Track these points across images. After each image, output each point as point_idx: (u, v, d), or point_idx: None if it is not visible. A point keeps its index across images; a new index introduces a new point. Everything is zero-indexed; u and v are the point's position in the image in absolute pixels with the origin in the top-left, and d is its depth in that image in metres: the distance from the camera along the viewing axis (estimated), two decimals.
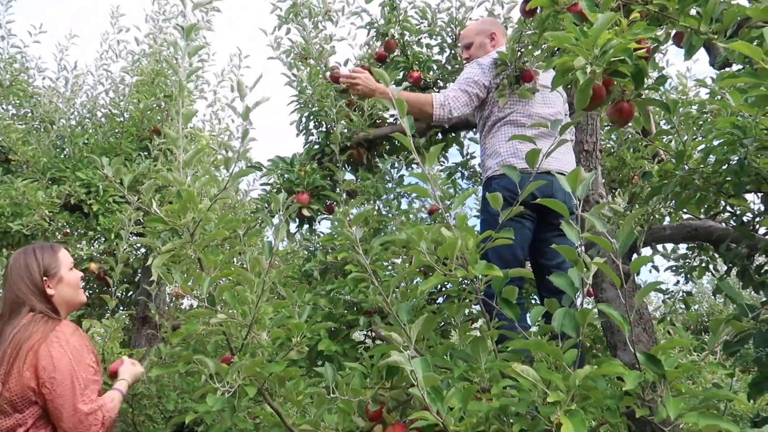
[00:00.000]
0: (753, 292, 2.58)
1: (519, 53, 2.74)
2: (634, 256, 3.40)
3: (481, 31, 3.06)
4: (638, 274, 1.66)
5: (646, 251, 3.41)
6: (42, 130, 5.00)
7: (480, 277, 1.58)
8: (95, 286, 4.97)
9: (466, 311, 2.73)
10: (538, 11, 1.95)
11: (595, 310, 2.42)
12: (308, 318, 2.03)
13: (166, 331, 3.64)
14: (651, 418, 1.37)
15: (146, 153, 4.52)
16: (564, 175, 2.69)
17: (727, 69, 2.27)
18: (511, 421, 1.33)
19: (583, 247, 1.43)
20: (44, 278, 1.96)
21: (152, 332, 4.47)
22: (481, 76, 2.81)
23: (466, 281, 1.78)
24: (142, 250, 4.63)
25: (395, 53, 3.97)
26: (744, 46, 1.35)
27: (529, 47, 2.77)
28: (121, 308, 4.82)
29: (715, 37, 1.59)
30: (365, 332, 3.05)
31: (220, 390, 1.51)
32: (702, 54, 2.81)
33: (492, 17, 3.54)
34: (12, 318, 1.89)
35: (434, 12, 4.01)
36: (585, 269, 1.36)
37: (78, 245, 4.39)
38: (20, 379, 1.79)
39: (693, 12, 1.71)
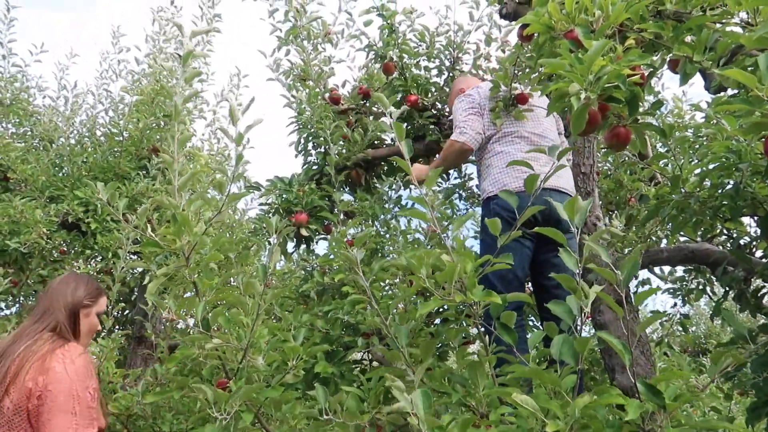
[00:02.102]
0: (750, 315, 2.58)
1: (514, 76, 2.79)
2: (633, 281, 3.41)
3: (451, 96, 3.38)
4: (638, 304, 1.67)
5: (644, 273, 3.42)
6: (41, 148, 5.02)
7: (479, 301, 1.58)
8: None
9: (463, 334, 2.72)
10: (534, 36, 1.97)
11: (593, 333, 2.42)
12: (305, 340, 2.02)
13: (162, 351, 3.62)
14: None
15: (145, 172, 4.54)
16: (560, 191, 2.73)
17: (722, 93, 2.30)
18: None
19: (580, 272, 1.44)
20: (83, 303, 2.02)
21: (148, 352, 4.44)
22: (470, 101, 2.95)
23: (464, 304, 1.78)
24: (139, 269, 4.62)
25: (393, 75, 4.00)
26: (739, 73, 1.36)
27: (527, 70, 2.81)
28: (117, 327, 4.80)
29: (709, 65, 1.61)
30: (362, 354, 3.04)
31: (218, 418, 1.50)
32: (697, 78, 2.84)
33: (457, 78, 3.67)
34: (35, 323, 1.92)
35: (432, 35, 4.05)
36: (584, 297, 1.36)
37: (75, 263, 4.38)
38: (21, 389, 1.78)
39: (688, 39, 1.73)
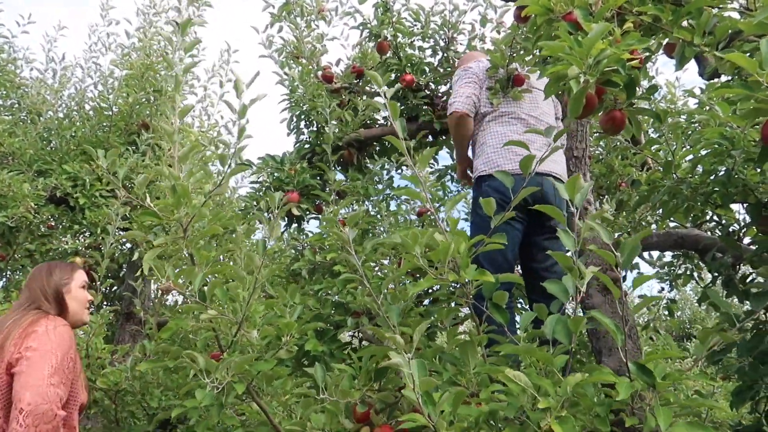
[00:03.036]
0: (737, 301, 2.62)
1: (510, 57, 2.76)
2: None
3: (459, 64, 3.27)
4: (635, 289, 1.68)
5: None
6: (29, 121, 4.95)
7: (471, 281, 1.58)
8: None
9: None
10: (532, 17, 1.96)
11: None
12: (298, 318, 2.03)
13: (151, 328, 3.62)
14: (640, 426, 1.38)
15: (134, 147, 4.49)
16: (554, 177, 2.72)
17: (716, 80, 2.30)
18: (500, 426, 1.34)
19: (578, 252, 1.44)
20: (61, 283, 2.07)
21: (136, 328, 4.44)
22: (469, 74, 2.91)
23: (454, 284, 1.79)
24: (128, 245, 4.60)
25: (388, 55, 3.98)
26: (740, 57, 1.36)
27: (521, 52, 2.79)
28: (106, 303, 4.78)
29: (708, 49, 1.61)
30: (352, 333, 3.05)
31: (209, 386, 1.51)
32: (691, 64, 2.85)
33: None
34: (20, 309, 1.98)
35: (427, 14, 4.03)
36: (580, 277, 1.37)
37: (63, 239, 4.35)
38: (6, 357, 1.80)
39: (685, 24, 1.73)
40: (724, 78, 2.22)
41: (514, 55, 2.81)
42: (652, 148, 2.99)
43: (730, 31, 1.65)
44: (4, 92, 4.94)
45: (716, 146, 2.23)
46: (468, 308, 1.68)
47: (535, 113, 2.87)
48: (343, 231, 1.68)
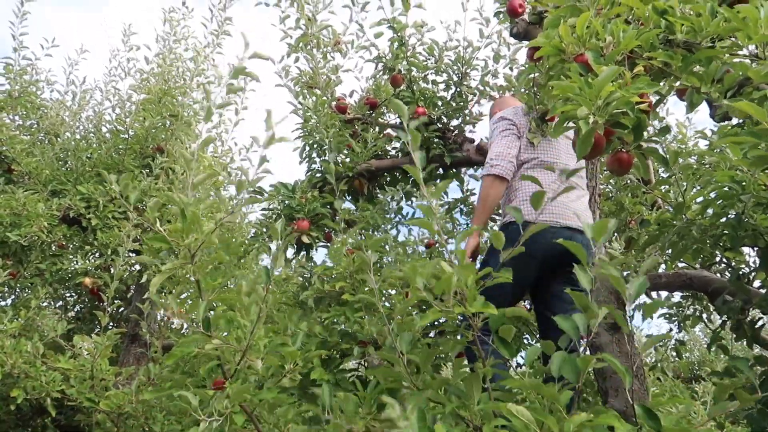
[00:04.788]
0: (746, 346, 2.59)
1: (536, 96, 2.77)
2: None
3: (493, 109, 3.23)
4: (646, 319, 1.67)
5: (641, 298, 3.43)
6: (47, 142, 5.03)
7: (477, 314, 1.59)
8: (87, 300, 4.95)
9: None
10: (545, 58, 1.99)
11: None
12: (302, 345, 2.03)
13: (156, 350, 3.62)
14: None
15: (148, 170, 4.55)
16: (583, 233, 2.69)
17: (727, 122, 2.32)
18: None
19: (595, 290, 1.45)
20: None
21: (141, 351, 4.44)
22: (507, 123, 2.84)
23: (460, 317, 1.79)
24: (137, 267, 4.63)
25: (401, 88, 4.03)
26: (748, 106, 1.38)
27: (534, 89, 2.83)
28: (112, 325, 4.80)
29: (717, 96, 1.63)
30: (358, 362, 3.05)
31: (207, 420, 1.50)
32: (702, 105, 2.87)
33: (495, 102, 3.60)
34: None
35: (441, 49, 4.09)
36: (594, 317, 1.38)
37: (73, 258, 4.39)
38: None
39: (696, 68, 1.75)
40: (735, 120, 2.24)
41: (538, 94, 2.82)
42: (662, 188, 2.99)
43: (740, 77, 1.68)
44: (25, 113, 5.03)
45: (726, 189, 2.24)
46: (474, 341, 1.68)
47: (571, 163, 2.82)
48: (365, 254, 1.69)
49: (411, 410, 1.31)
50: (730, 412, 2.31)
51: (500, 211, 3.19)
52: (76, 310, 5.10)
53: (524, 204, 2.70)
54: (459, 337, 1.86)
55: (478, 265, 2.81)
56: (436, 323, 3.02)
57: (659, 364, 3.78)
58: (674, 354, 3.73)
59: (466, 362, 2.68)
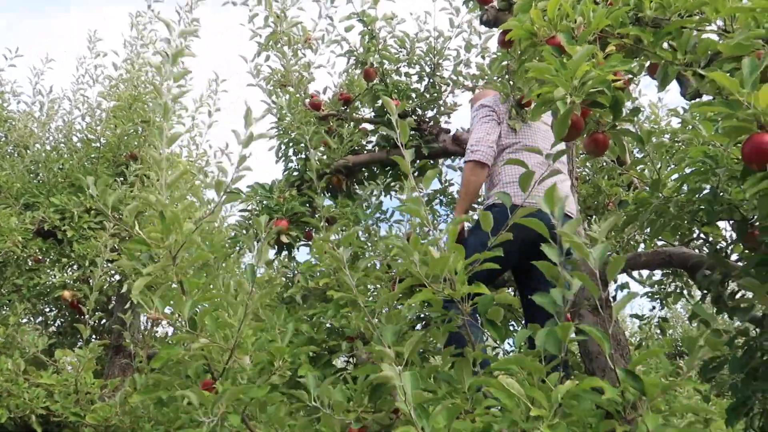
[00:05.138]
0: (727, 318, 2.63)
1: (510, 82, 2.79)
2: (612, 285, 3.45)
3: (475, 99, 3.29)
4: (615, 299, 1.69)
5: (622, 277, 3.47)
6: (16, 155, 4.94)
7: (466, 298, 1.60)
8: (68, 314, 4.87)
9: None
10: (516, 42, 2.00)
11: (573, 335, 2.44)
12: (290, 342, 2.02)
13: (141, 360, 3.58)
14: None
15: (122, 179, 4.49)
16: (568, 215, 2.72)
17: (698, 100, 2.35)
18: None
19: (563, 262, 1.46)
20: None
21: (126, 361, 4.38)
22: (487, 110, 2.88)
23: (447, 305, 1.80)
24: (117, 277, 4.56)
25: (375, 81, 4.02)
26: (722, 76, 1.40)
27: (507, 76, 2.83)
28: (95, 337, 4.73)
29: (689, 67, 1.65)
30: (347, 359, 3.04)
31: (207, 421, 1.49)
32: (673, 85, 2.91)
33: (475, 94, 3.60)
34: None
35: (413, 41, 4.08)
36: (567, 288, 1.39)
37: (50, 272, 4.31)
38: None
39: (666, 45, 1.77)
40: (705, 98, 2.27)
41: (512, 81, 2.83)
42: (638, 168, 3.02)
43: (710, 51, 1.69)
44: None
45: (700, 164, 2.27)
46: (464, 326, 1.68)
47: (549, 147, 2.86)
48: (337, 251, 1.69)
49: (405, 377, 1.31)
50: (716, 384, 2.34)
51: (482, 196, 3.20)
52: (56, 324, 5.02)
53: (508, 187, 2.73)
54: (448, 323, 1.86)
55: None
56: (421, 315, 3.04)
57: (644, 343, 3.83)
58: (658, 332, 3.77)
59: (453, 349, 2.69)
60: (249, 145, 1.62)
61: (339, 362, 3.01)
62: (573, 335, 1.45)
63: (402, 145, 1.72)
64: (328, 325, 2.87)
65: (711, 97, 2.24)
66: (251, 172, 1.64)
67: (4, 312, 4.44)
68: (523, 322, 3.30)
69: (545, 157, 1.82)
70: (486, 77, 3.79)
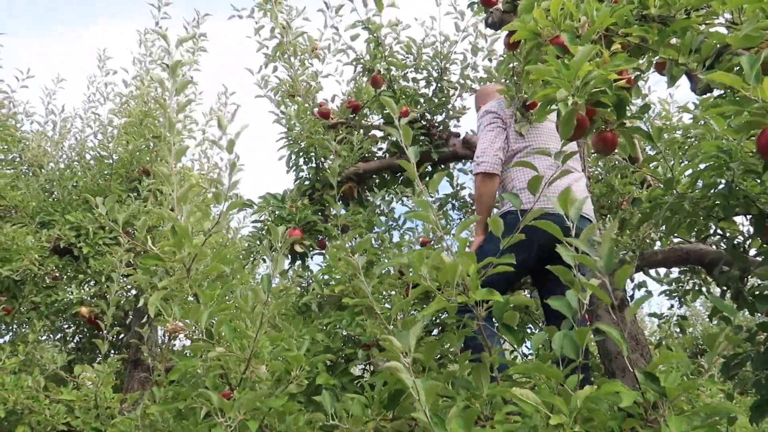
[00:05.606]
0: (748, 314, 2.59)
1: (516, 84, 2.77)
2: (629, 284, 3.42)
3: (479, 99, 3.23)
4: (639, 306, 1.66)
5: (639, 276, 3.43)
6: (31, 174, 4.99)
7: (481, 302, 1.58)
8: (86, 330, 4.91)
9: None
10: (521, 43, 1.99)
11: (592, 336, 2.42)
12: (306, 351, 2.01)
13: (159, 374, 3.59)
14: None
15: (136, 194, 4.52)
16: (585, 217, 2.68)
17: (709, 94, 2.32)
18: None
19: (578, 265, 1.44)
20: None
21: (145, 375, 4.41)
22: (492, 117, 2.81)
23: (462, 311, 1.78)
24: (133, 291, 4.59)
25: (382, 88, 4.02)
26: (723, 76, 1.38)
27: (515, 78, 2.82)
28: (113, 352, 4.76)
29: (695, 66, 1.63)
30: (363, 366, 3.03)
31: (224, 425, 1.49)
32: (683, 80, 2.88)
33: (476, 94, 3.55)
34: None
35: (419, 46, 4.08)
36: (581, 290, 1.37)
37: (68, 289, 4.35)
38: None
39: (673, 41, 1.75)
40: (716, 92, 2.24)
41: (518, 82, 2.81)
42: (651, 165, 2.99)
43: (717, 46, 1.67)
44: (5, 147, 4.99)
45: (714, 159, 2.24)
46: (480, 331, 1.67)
47: (559, 147, 2.82)
48: (352, 258, 1.68)
49: (419, 384, 1.30)
50: (740, 381, 2.30)
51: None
52: (75, 340, 5.06)
53: (522, 192, 2.68)
54: (463, 328, 1.85)
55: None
56: (437, 320, 3.02)
57: (664, 342, 3.78)
58: (678, 330, 3.73)
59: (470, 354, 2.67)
60: (233, 150, 1.62)
61: (356, 370, 3.00)
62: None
63: (406, 147, 1.71)
64: (343, 333, 2.87)
65: (722, 92, 2.22)
66: (243, 170, 1.64)
67: (23, 330, 4.48)
68: (543, 323, 3.28)
69: (555, 158, 1.80)
70: (494, 80, 3.77)
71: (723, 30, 1.75)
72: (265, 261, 3.68)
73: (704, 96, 2.35)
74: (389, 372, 1.24)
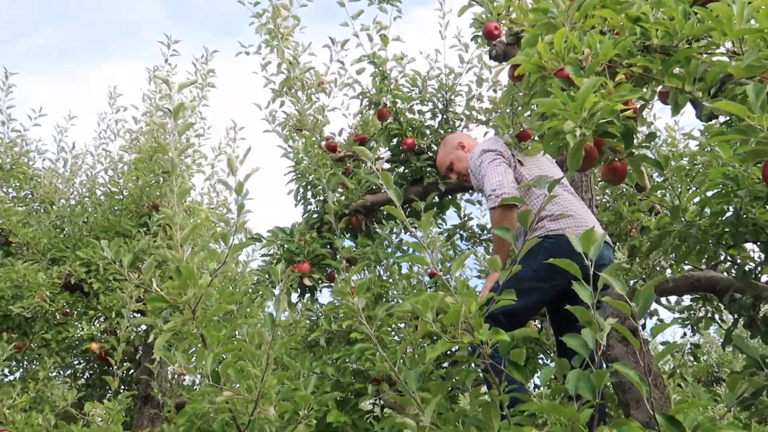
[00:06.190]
0: (761, 342, 2.56)
1: (513, 115, 2.79)
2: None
3: (447, 152, 3.11)
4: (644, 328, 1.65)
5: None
6: (42, 211, 5.04)
7: (486, 341, 1.57)
8: (96, 366, 4.90)
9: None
10: (526, 76, 2.01)
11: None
12: (315, 389, 2.00)
13: (170, 410, 3.57)
14: None
15: (146, 229, 4.55)
16: (606, 243, 2.65)
17: (714, 121, 2.33)
18: None
19: (595, 305, 1.43)
20: None
21: (155, 411, 4.38)
22: (493, 154, 2.72)
23: (471, 347, 1.77)
24: (143, 327, 4.59)
25: (389, 120, 4.06)
26: (729, 104, 1.39)
27: (519, 109, 2.85)
28: (123, 388, 4.74)
29: (700, 95, 1.64)
30: (373, 401, 3.00)
31: None
32: (688, 106, 2.89)
33: (448, 135, 3.45)
34: None
35: (424, 79, 4.12)
36: (599, 330, 1.36)
37: (78, 325, 4.35)
38: None
39: (676, 71, 1.76)
40: (721, 118, 2.25)
41: (516, 113, 2.83)
42: (657, 193, 2.99)
43: (721, 75, 1.69)
44: (18, 184, 5.05)
45: (721, 187, 2.24)
46: (486, 369, 1.65)
47: (558, 174, 2.77)
48: (352, 300, 1.68)
49: None
50: (756, 410, 2.26)
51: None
52: (85, 377, 5.05)
53: (554, 222, 2.60)
54: (472, 366, 1.83)
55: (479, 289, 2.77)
56: (448, 353, 3.00)
57: (678, 370, 3.73)
58: (692, 358, 3.68)
59: (484, 390, 2.64)
60: (242, 191, 1.64)
61: (366, 404, 2.97)
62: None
63: (387, 190, 1.69)
64: (353, 366, 2.85)
65: (727, 118, 2.23)
66: (251, 212, 1.65)
67: (34, 367, 4.47)
68: (554, 353, 3.23)
69: (538, 180, 1.78)
70: (499, 110, 3.80)
71: (725, 59, 1.77)
72: (270, 300, 3.68)
73: (710, 122, 2.37)
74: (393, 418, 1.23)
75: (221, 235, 1.61)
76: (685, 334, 3.46)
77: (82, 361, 4.97)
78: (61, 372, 4.94)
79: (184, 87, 1.85)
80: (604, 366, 1.64)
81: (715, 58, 1.76)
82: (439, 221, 4.30)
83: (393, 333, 3.12)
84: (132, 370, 4.90)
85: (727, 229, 2.27)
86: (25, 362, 4.57)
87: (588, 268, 1.44)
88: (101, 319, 4.50)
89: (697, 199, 2.47)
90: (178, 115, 1.73)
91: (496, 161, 2.69)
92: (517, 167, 2.72)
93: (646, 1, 1.83)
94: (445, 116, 4.13)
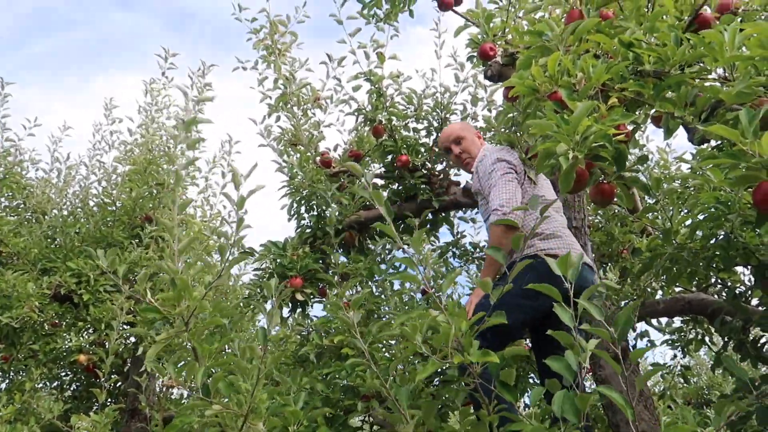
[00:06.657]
0: (751, 365, 2.57)
1: (518, 134, 2.80)
2: (631, 334, 3.39)
3: (463, 128, 3.02)
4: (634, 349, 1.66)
5: (641, 326, 3.41)
6: (34, 221, 5.02)
7: (477, 362, 1.57)
8: (83, 378, 4.85)
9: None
10: (520, 97, 2.03)
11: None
12: (305, 404, 1.99)
13: (157, 424, 3.53)
14: None
15: (138, 241, 4.53)
16: (589, 266, 2.66)
17: (706, 145, 2.35)
18: None
19: (577, 328, 1.44)
20: None
21: (142, 426, 4.34)
22: (507, 166, 2.67)
23: (462, 367, 1.77)
24: (132, 339, 4.55)
25: (384, 137, 4.08)
26: (722, 129, 1.41)
27: (514, 129, 2.88)
28: (110, 401, 4.69)
29: (691, 119, 1.66)
30: (363, 418, 2.99)
31: None
32: (681, 130, 2.92)
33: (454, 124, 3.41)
34: None
35: (420, 97, 4.15)
36: (581, 352, 1.36)
37: (66, 336, 4.32)
38: None
39: (669, 95, 1.79)
40: (713, 142, 2.28)
41: (519, 132, 2.84)
42: (649, 215, 3.01)
43: (712, 100, 1.71)
44: (10, 194, 5.03)
45: (713, 210, 2.26)
46: (476, 389, 1.65)
47: (556, 204, 2.76)
48: (347, 315, 1.68)
49: None
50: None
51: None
52: (72, 388, 4.99)
53: (548, 241, 2.60)
54: (463, 385, 1.83)
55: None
56: (439, 371, 2.99)
57: (668, 392, 3.73)
58: (682, 380, 3.69)
59: (472, 410, 2.63)
60: (243, 206, 1.64)
61: (355, 420, 2.96)
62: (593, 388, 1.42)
63: (377, 206, 1.71)
64: (343, 383, 2.84)
65: (718, 142, 2.25)
66: (251, 228, 1.65)
67: (20, 378, 4.43)
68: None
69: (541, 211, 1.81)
70: (493, 129, 3.83)
71: (717, 84, 1.79)
72: (263, 314, 3.67)
73: (701, 146, 2.39)
74: None
75: (218, 248, 1.61)
76: (675, 356, 3.47)
77: (69, 372, 4.92)
78: (48, 383, 4.89)
79: (202, 101, 1.86)
80: (594, 386, 1.65)
81: (707, 84, 1.78)
82: (432, 238, 4.30)
83: (384, 349, 3.12)
84: (120, 383, 4.85)
85: (717, 252, 2.29)
86: (12, 373, 4.52)
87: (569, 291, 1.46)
88: (90, 330, 4.46)
89: (688, 222, 2.49)
90: (191, 127, 1.73)
91: (509, 175, 2.63)
92: (525, 184, 2.68)
93: (639, 27, 1.86)
94: (439, 134, 4.15)
